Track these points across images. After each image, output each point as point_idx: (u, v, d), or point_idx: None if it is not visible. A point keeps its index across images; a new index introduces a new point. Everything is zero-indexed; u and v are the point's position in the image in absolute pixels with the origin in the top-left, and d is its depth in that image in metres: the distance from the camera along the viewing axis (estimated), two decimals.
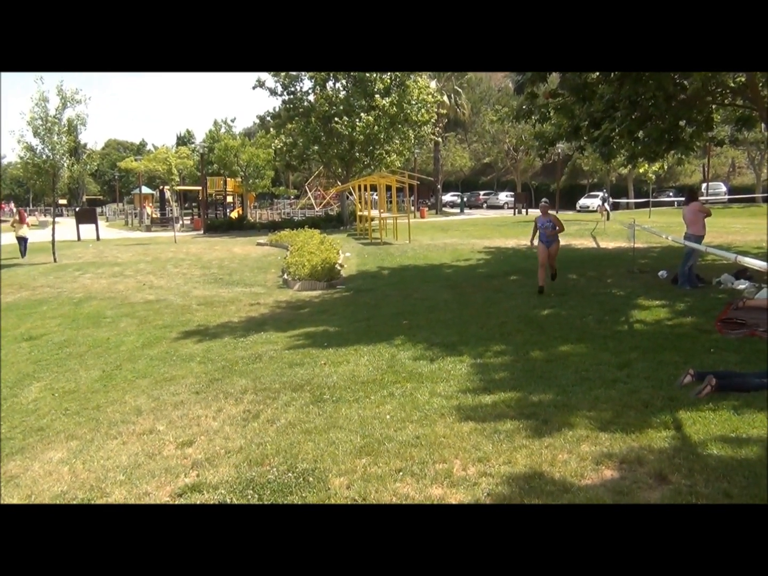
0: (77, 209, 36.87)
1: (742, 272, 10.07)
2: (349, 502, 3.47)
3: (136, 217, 43.77)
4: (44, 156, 17.82)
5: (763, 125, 14.33)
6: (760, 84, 11.35)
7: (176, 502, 3.65)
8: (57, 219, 20.73)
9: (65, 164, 18.22)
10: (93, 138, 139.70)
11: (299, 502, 3.51)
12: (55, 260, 18.28)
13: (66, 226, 31.32)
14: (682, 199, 14.24)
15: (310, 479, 3.77)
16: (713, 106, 12.16)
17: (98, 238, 26.72)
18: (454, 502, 3.38)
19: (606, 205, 28.75)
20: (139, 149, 77.13)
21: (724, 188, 43.25)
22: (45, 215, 52.33)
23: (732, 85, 11.76)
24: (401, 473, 3.76)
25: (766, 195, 39.68)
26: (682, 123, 11.72)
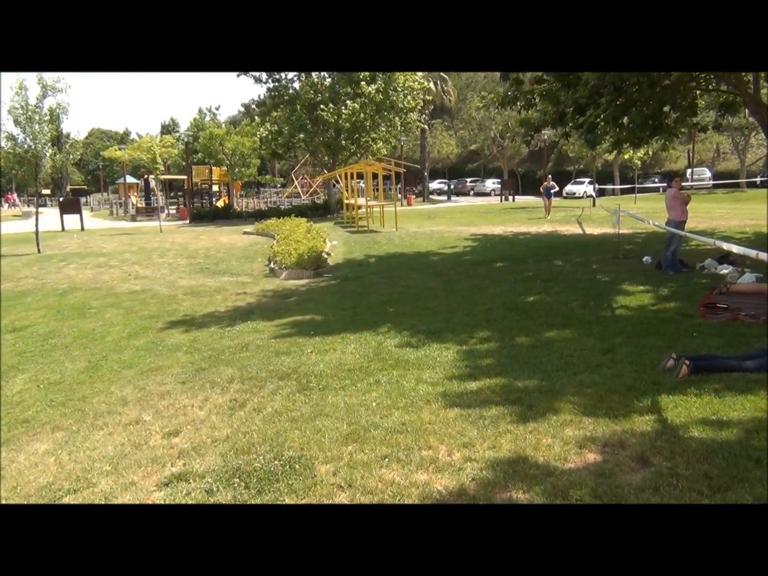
0: (61, 199, 36.52)
1: (725, 257, 10.17)
2: (335, 490, 3.49)
3: (120, 206, 43.43)
4: (26, 145, 17.62)
5: (746, 110, 14.42)
6: None
7: (164, 498, 3.64)
8: (40, 209, 20.54)
9: (47, 154, 18.03)
10: (76, 127, 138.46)
11: (286, 490, 3.52)
12: (39, 251, 18.10)
13: (50, 217, 31.07)
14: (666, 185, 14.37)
15: (297, 467, 3.78)
16: (697, 92, 12.22)
17: (83, 229, 26.50)
18: (439, 488, 3.41)
19: (591, 190, 28.42)
20: (123, 138, 76.36)
21: (708, 174, 43.50)
22: (28, 205, 51.76)
23: None
24: (387, 459, 3.79)
25: (750, 180, 40.00)
26: (666, 109, 11.77)
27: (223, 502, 3.44)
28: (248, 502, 3.43)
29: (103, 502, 3.61)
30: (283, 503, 3.40)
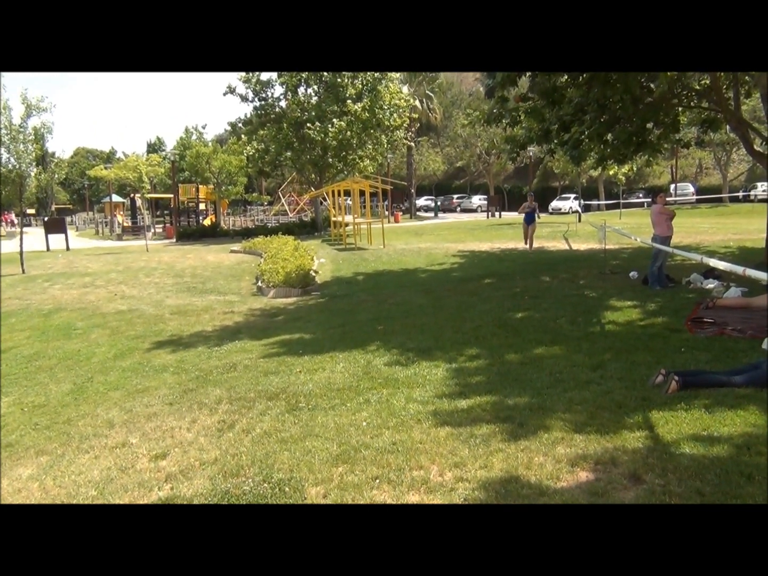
0: (46, 219, 36.24)
1: (710, 272, 10.26)
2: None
3: (106, 225, 43.21)
4: (10, 165, 17.50)
5: (727, 127, 14.66)
6: (724, 86, 11.61)
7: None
8: (25, 229, 20.37)
9: (32, 173, 17.96)
10: (61, 146, 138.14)
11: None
12: (23, 271, 17.92)
13: (34, 236, 30.81)
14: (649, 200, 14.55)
15: (286, 489, 3.73)
16: (679, 109, 12.42)
17: (68, 248, 26.29)
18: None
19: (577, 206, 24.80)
20: (108, 157, 76.21)
21: (692, 189, 44.11)
22: (13, 225, 51.34)
23: (697, 87, 12.03)
24: (378, 480, 3.75)
25: (732, 195, 40.56)
26: (649, 125, 11.94)
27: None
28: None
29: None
30: (283, 503, 3.37)
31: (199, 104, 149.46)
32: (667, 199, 11.11)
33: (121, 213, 45.79)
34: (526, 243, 17.86)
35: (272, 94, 29.43)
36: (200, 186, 38.48)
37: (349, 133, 27.45)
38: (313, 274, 14.20)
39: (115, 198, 48.50)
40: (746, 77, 11.69)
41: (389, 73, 28.74)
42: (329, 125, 27.10)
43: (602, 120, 11.00)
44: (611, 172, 34.09)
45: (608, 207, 39.73)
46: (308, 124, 27.28)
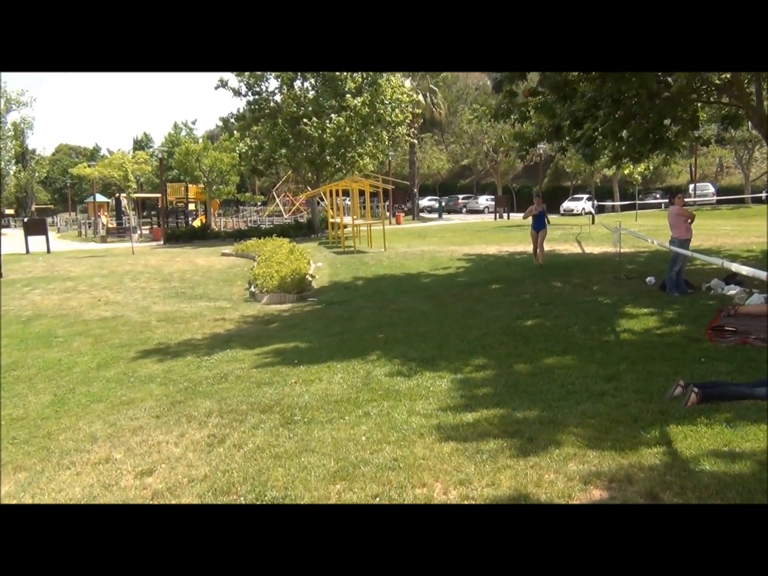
0: (25, 219, 36.32)
1: (732, 277, 10.26)
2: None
3: (90, 227, 43.21)
4: None
5: (749, 123, 14.68)
6: (746, 81, 11.63)
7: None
8: (3, 230, 20.42)
9: (11, 171, 18.07)
10: (42, 143, 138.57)
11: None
12: (0, 275, 17.95)
13: (13, 238, 30.82)
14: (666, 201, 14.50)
15: None
16: (698, 105, 12.42)
17: (49, 251, 26.33)
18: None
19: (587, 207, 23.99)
20: (92, 154, 76.29)
21: (712, 189, 44.18)
22: None
23: (717, 82, 12.03)
24: (378, 499, 3.74)
25: (755, 195, 40.61)
26: (666, 122, 11.94)
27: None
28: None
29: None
30: (283, 503, 3.36)
31: (188, 98, 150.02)
32: (686, 199, 11.11)
33: (106, 214, 45.82)
34: (535, 257, 15.34)
35: (267, 88, 29.48)
36: (190, 185, 38.56)
37: (348, 129, 27.50)
38: (310, 278, 14.22)
39: (99, 198, 48.47)
40: None
41: None
42: (327, 121, 27.16)
43: (617, 116, 11.01)
44: (626, 171, 34.23)
45: (623, 208, 39.80)
46: (305, 120, 27.32)
